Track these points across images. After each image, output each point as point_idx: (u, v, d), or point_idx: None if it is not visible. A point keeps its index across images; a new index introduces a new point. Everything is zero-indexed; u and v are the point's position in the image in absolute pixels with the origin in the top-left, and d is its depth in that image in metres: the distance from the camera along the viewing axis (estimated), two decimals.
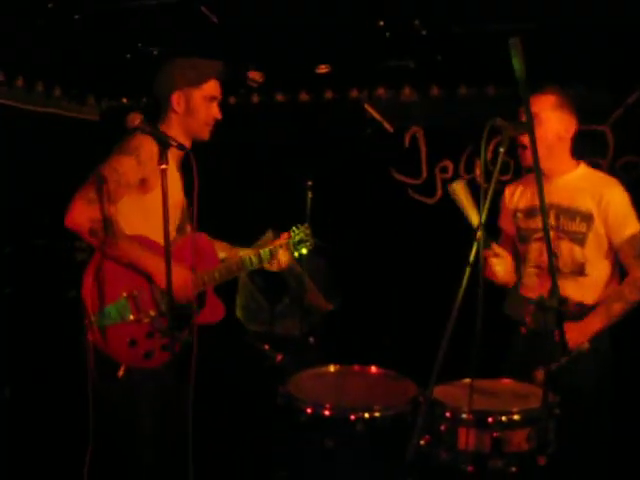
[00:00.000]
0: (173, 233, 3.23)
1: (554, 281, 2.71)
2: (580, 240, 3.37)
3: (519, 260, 3.59)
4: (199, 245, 3.19)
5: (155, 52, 4.24)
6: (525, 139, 3.30)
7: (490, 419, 2.88)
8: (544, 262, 3.40)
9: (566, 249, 3.39)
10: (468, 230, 4.01)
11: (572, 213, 3.39)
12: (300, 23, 4.10)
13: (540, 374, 2.96)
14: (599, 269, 3.41)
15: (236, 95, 5.21)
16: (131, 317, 3.05)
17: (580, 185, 3.41)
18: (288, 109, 5.21)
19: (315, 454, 3.02)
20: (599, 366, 3.27)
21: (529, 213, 3.51)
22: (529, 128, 2.68)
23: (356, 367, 3.53)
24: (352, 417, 2.99)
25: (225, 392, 4.07)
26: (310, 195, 4.11)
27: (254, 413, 3.71)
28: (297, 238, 3.64)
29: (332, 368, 3.52)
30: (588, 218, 3.36)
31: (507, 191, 3.68)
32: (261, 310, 4.76)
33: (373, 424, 3.00)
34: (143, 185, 3.08)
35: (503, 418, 2.88)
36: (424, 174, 5.17)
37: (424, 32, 3.74)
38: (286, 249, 3.59)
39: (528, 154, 3.29)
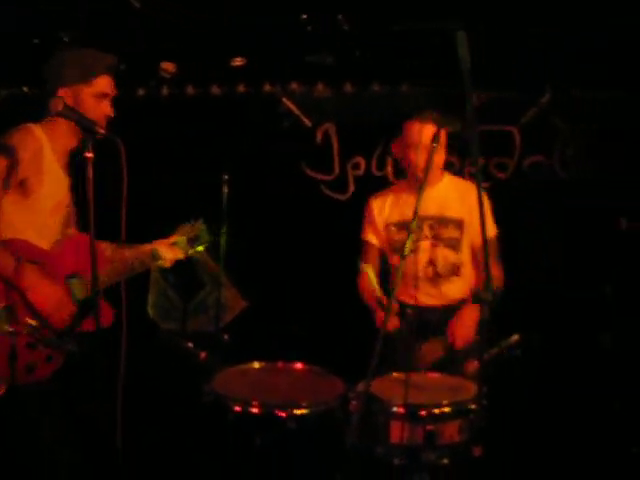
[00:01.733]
0: (58, 235, 3.06)
1: (488, 275, 2.74)
2: (454, 245, 3.61)
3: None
4: (86, 247, 2.77)
5: (66, 38, 4.03)
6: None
7: (423, 412, 2.90)
8: (418, 271, 3.59)
9: (441, 255, 3.61)
10: None
11: (445, 221, 3.62)
12: (216, 13, 4.00)
13: (472, 366, 3.00)
14: (470, 268, 3.68)
15: (146, 87, 5.04)
16: (9, 328, 2.73)
17: (449, 193, 3.65)
18: (199, 102, 5.07)
19: (245, 452, 2.96)
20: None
21: (403, 226, 3.63)
22: (471, 122, 2.69)
23: (280, 364, 3.48)
24: (282, 414, 2.95)
25: (148, 393, 3.93)
26: (226, 190, 4.02)
27: (179, 413, 3.59)
28: (192, 235, 3.50)
29: (256, 365, 3.46)
30: (460, 224, 3.61)
31: (374, 204, 3.81)
32: (174, 307, 4.64)
33: (303, 421, 2.97)
34: (22, 186, 2.86)
35: (436, 411, 2.91)
36: (336, 170, 5.15)
37: (346, 27, 3.71)
38: (178, 246, 3.46)
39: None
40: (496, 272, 3.52)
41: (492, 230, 3.62)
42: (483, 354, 2.79)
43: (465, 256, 3.65)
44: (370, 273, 3.50)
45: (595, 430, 4.05)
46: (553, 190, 4.88)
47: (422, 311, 3.60)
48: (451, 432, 2.90)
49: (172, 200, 4.83)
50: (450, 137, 3.50)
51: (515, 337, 3.02)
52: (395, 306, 3.44)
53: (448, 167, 3.82)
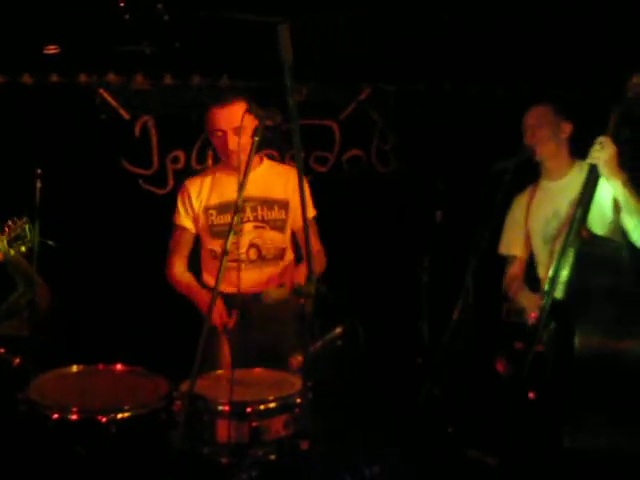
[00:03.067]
0: None
1: (310, 269, 2.75)
2: (280, 227, 3.59)
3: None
4: None
5: None
6: None
7: (248, 409, 2.88)
8: (242, 254, 3.50)
9: (268, 237, 3.57)
10: None
11: (270, 203, 3.59)
12: None
13: (296, 360, 3.02)
14: (290, 251, 3.69)
15: None
16: None
17: (271, 176, 3.63)
18: (9, 92, 4.76)
19: (67, 462, 2.82)
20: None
21: (223, 208, 3.57)
22: (292, 116, 2.68)
23: (100, 366, 3.34)
24: (103, 419, 2.84)
25: None
26: (39, 184, 3.82)
27: None
28: (13, 234, 3.28)
29: (75, 368, 3.31)
30: (285, 205, 3.61)
31: (191, 187, 3.66)
32: None
33: (126, 424, 2.87)
34: None
35: (261, 407, 2.90)
36: (155, 165, 5.03)
37: (166, 17, 3.62)
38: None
39: None
40: (318, 250, 3.64)
41: (312, 211, 3.66)
42: (307, 348, 2.80)
43: (288, 237, 3.64)
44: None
45: (416, 413, 4.21)
46: (372, 184, 5.03)
47: (245, 300, 3.51)
48: (277, 427, 2.90)
49: None
50: (271, 130, 3.49)
51: (338, 330, 3.06)
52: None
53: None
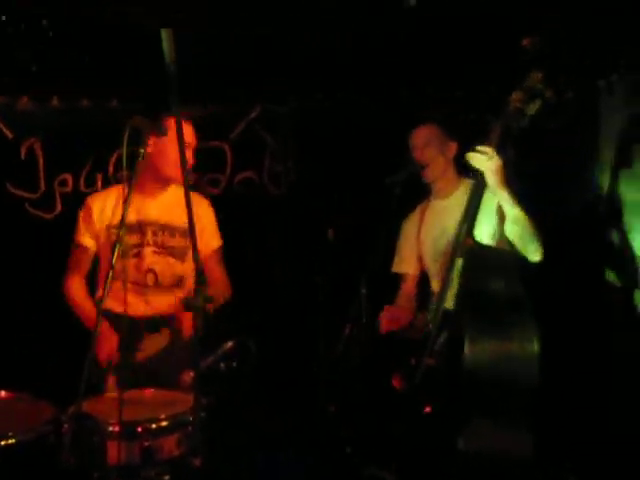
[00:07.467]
0: None
1: (199, 281, 2.72)
2: (180, 255, 3.57)
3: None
4: None
5: None
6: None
7: (139, 428, 2.83)
8: (141, 278, 3.52)
9: (165, 264, 3.55)
10: None
11: (171, 229, 3.57)
12: None
13: (187, 377, 2.98)
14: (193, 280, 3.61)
15: None
16: None
17: (175, 202, 3.55)
18: None
19: None
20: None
21: (128, 229, 3.51)
22: (178, 126, 2.66)
23: None
24: None
25: None
26: None
27: None
28: None
29: None
30: (187, 233, 3.49)
31: (94, 204, 3.63)
32: None
33: (12, 452, 2.74)
34: None
35: (152, 426, 2.85)
36: (42, 188, 4.87)
37: (50, 34, 3.52)
38: None
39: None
40: (223, 280, 3.64)
41: (219, 240, 3.70)
42: (198, 364, 2.75)
43: (190, 266, 3.57)
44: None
45: (315, 432, 4.20)
46: (264, 205, 5.04)
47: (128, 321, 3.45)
48: (170, 446, 2.85)
49: None
50: None
51: (229, 344, 3.04)
52: None
53: None
